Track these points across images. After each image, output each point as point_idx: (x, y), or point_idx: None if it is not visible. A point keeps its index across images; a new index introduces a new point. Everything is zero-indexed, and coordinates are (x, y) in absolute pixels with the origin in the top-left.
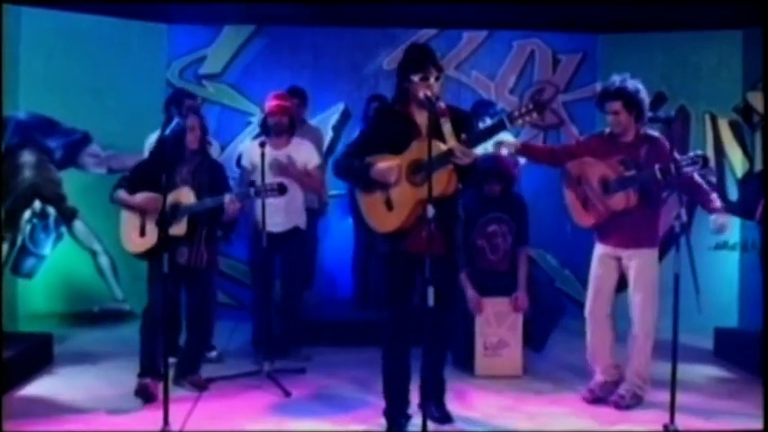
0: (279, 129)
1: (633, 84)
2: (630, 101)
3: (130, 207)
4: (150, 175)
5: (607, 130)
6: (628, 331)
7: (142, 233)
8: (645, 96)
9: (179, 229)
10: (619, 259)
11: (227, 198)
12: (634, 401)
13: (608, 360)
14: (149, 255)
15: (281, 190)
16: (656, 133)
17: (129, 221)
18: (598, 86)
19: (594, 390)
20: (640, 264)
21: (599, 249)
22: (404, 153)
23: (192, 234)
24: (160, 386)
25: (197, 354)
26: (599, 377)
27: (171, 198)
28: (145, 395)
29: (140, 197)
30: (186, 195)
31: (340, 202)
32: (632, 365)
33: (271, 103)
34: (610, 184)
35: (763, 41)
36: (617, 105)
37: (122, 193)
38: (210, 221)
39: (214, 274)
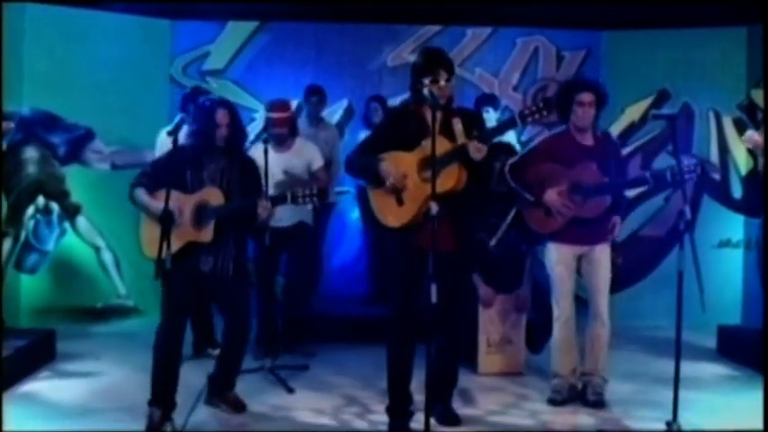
0: (280, 139)
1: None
2: (601, 97)
3: (148, 212)
4: (173, 172)
5: (558, 130)
6: (587, 325)
7: None
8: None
9: (205, 234)
10: (577, 257)
11: (261, 204)
12: (604, 398)
13: (575, 363)
14: (171, 261)
15: (321, 195)
16: (607, 132)
17: (150, 225)
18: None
19: (562, 392)
20: (601, 258)
21: (559, 251)
22: (415, 150)
23: (218, 240)
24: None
25: (232, 370)
26: (566, 380)
27: (197, 198)
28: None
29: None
30: (215, 196)
31: (347, 198)
32: (599, 360)
33: (277, 115)
34: (585, 190)
35: (763, 42)
36: (590, 97)
37: (143, 195)
38: (239, 226)
39: (246, 282)
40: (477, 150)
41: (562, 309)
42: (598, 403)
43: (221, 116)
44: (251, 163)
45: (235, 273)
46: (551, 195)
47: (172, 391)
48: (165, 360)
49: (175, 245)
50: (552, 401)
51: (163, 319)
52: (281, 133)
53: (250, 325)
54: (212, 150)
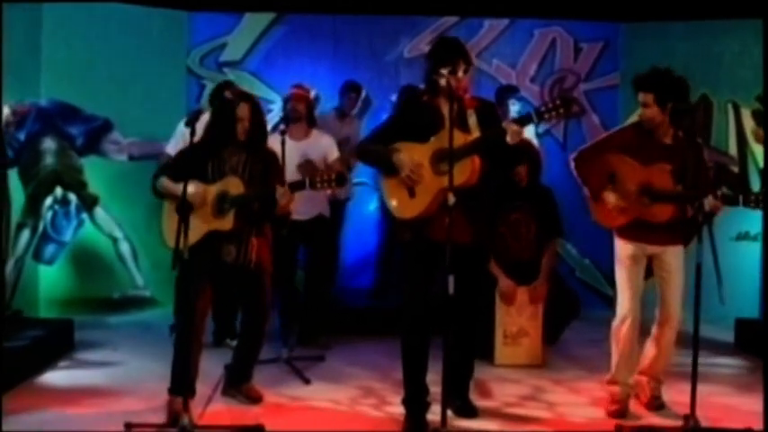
0: (297, 116)
1: (673, 76)
2: (664, 94)
3: (175, 198)
4: (196, 162)
5: (634, 119)
6: (654, 328)
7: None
8: (684, 91)
9: (225, 222)
10: (648, 256)
11: (279, 190)
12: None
13: (635, 369)
14: (193, 251)
15: (340, 181)
16: (692, 131)
17: (173, 214)
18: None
19: (623, 401)
20: (674, 262)
21: (626, 248)
22: (429, 142)
23: (240, 230)
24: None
25: (249, 361)
26: (626, 389)
27: (218, 187)
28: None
29: (188, 188)
30: (235, 185)
31: (365, 190)
32: (663, 362)
33: (293, 91)
34: (653, 193)
35: (764, 36)
36: (648, 97)
37: (168, 183)
38: (261, 216)
39: (267, 274)
40: (516, 134)
41: (627, 309)
42: (660, 407)
43: (243, 111)
44: (273, 155)
45: (257, 263)
46: (609, 198)
47: (192, 380)
48: (186, 349)
49: (197, 234)
50: (617, 414)
51: (180, 307)
52: (295, 109)
53: (269, 317)
54: (234, 143)
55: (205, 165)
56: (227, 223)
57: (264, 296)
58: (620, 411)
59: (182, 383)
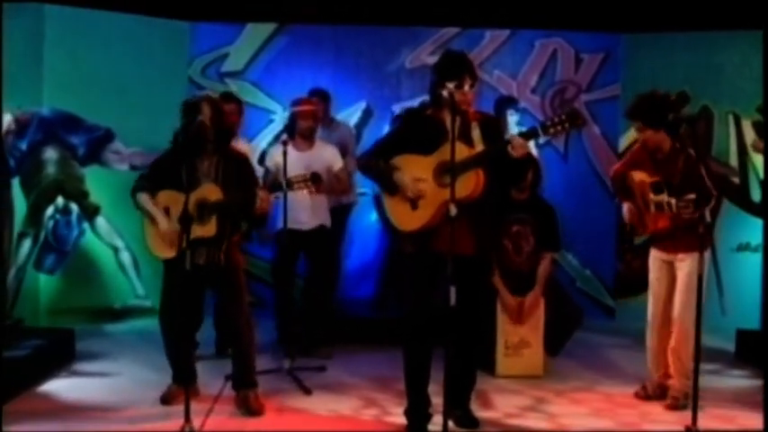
0: (309, 132)
1: (650, 98)
2: (651, 119)
3: (150, 218)
4: (170, 171)
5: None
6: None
7: None
8: (666, 104)
9: (207, 230)
10: (671, 263)
11: (259, 195)
12: (687, 401)
13: (662, 368)
14: (178, 259)
15: (315, 180)
16: (684, 142)
17: (154, 226)
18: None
19: (648, 388)
20: (683, 267)
21: (652, 253)
22: (433, 154)
23: (221, 234)
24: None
25: (245, 364)
26: (656, 378)
27: (195, 196)
28: (164, 399)
29: (164, 216)
30: (213, 192)
31: (364, 200)
32: (679, 366)
33: (303, 108)
34: (647, 204)
35: (763, 45)
36: (638, 125)
37: (145, 199)
38: (238, 218)
39: (241, 271)
40: (520, 146)
41: (650, 314)
42: (671, 407)
43: (205, 112)
44: (243, 157)
45: (227, 261)
46: (626, 207)
47: (190, 369)
48: (168, 340)
49: (182, 243)
50: (637, 395)
51: (167, 305)
52: (308, 126)
53: (245, 315)
54: (203, 147)
55: (178, 173)
56: (210, 230)
57: (240, 292)
58: (641, 396)
59: (180, 373)
